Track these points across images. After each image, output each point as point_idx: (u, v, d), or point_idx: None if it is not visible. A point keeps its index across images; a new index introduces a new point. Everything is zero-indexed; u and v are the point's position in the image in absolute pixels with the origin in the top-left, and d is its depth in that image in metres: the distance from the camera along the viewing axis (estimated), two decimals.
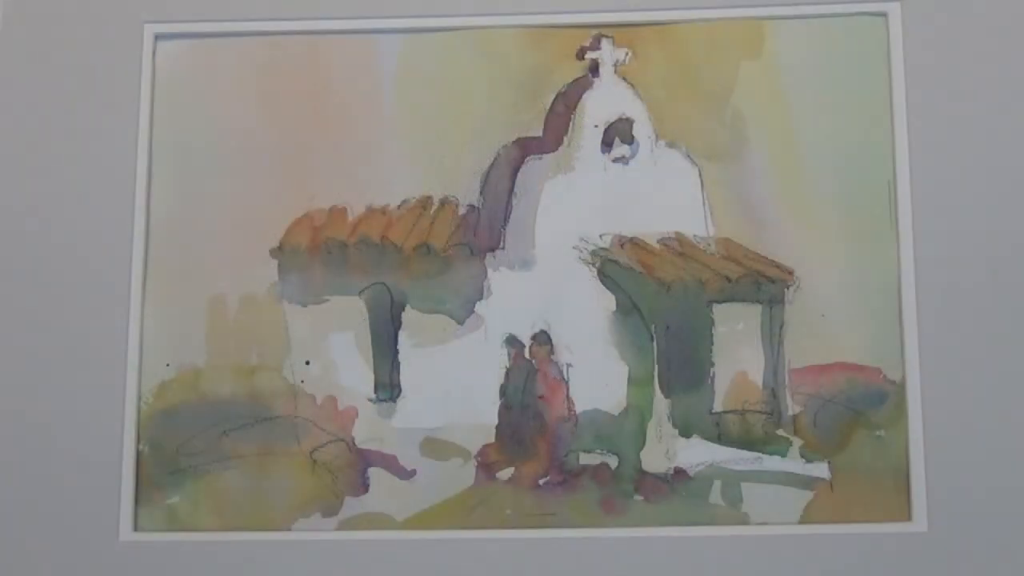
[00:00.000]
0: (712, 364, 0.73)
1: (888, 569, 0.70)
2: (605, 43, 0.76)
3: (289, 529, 0.72)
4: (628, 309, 0.73)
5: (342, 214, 0.74)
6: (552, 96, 0.75)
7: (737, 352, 0.73)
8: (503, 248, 0.74)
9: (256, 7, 0.76)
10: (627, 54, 0.76)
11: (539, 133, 0.75)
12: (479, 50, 0.76)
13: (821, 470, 0.72)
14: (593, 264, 0.74)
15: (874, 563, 0.70)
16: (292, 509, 0.72)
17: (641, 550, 0.71)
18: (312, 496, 0.72)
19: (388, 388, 0.73)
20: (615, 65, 0.75)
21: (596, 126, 0.75)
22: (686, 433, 0.72)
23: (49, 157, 0.74)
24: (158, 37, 0.76)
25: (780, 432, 0.72)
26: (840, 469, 0.71)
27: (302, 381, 0.73)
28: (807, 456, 0.72)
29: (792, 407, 0.72)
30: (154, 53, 0.76)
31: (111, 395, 0.72)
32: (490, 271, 0.74)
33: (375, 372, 0.73)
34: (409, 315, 0.74)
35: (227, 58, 0.76)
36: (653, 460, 0.72)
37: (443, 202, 0.74)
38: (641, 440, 0.72)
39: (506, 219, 0.74)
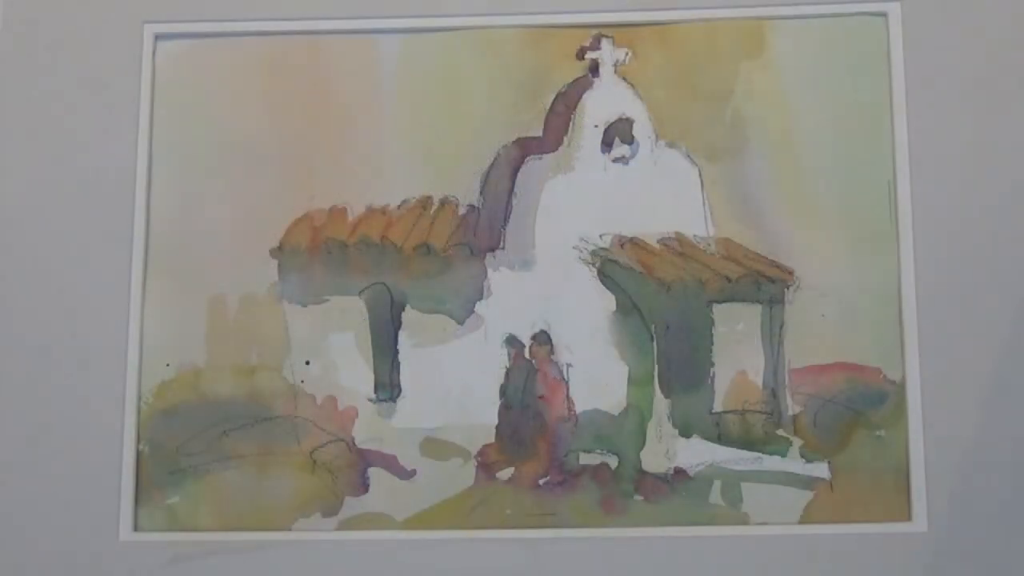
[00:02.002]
0: (712, 364, 0.73)
1: (888, 569, 0.70)
2: (605, 43, 0.76)
3: (289, 529, 0.72)
4: (628, 309, 0.73)
5: (342, 214, 0.74)
6: (552, 96, 0.75)
7: (737, 352, 0.73)
8: (503, 248, 0.74)
9: (256, 7, 0.76)
10: (627, 54, 0.76)
11: (539, 133, 0.75)
12: (479, 50, 0.76)
13: (821, 470, 0.72)
14: (593, 264, 0.74)
15: (874, 563, 0.70)
16: (292, 509, 0.72)
17: (641, 550, 0.71)
18: (312, 496, 0.72)
19: (388, 388, 0.73)
20: (615, 65, 0.75)
21: (596, 126, 0.75)
22: (686, 433, 0.72)
23: (49, 157, 0.74)
24: (158, 37, 0.76)
25: (780, 432, 0.72)
26: (840, 469, 0.71)
27: (302, 381, 0.73)
28: (807, 456, 0.72)
29: (792, 407, 0.72)
30: (154, 53, 0.76)
31: (111, 395, 0.72)
32: (490, 271, 0.74)
33: (375, 372, 0.73)
34: (409, 315, 0.74)
35: (227, 58, 0.76)
36: (653, 460, 0.72)
37: (443, 202, 0.74)
38: (641, 440, 0.72)
39: (506, 219, 0.74)
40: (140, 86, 0.75)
